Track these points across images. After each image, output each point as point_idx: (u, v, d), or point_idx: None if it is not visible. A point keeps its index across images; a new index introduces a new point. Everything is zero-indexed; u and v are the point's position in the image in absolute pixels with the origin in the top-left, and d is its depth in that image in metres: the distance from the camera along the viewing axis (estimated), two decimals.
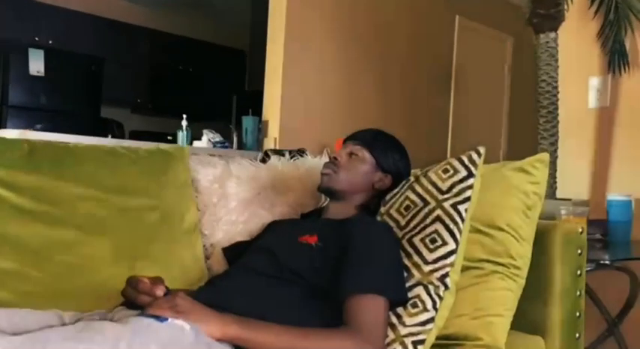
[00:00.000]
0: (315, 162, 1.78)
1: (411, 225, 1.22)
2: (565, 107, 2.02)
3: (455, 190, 1.21)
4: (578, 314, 1.38)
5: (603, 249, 1.90)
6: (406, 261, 1.17)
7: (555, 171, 2.02)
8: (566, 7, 1.89)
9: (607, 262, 1.64)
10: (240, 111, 3.78)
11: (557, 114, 1.99)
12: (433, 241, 1.17)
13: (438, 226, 1.18)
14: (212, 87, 5.98)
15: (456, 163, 1.25)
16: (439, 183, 1.24)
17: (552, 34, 1.96)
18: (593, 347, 2.01)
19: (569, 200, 2.06)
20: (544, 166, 1.34)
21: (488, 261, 1.24)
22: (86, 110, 5.22)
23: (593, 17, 2.10)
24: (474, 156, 1.25)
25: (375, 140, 1.39)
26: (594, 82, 2.20)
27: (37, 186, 1.20)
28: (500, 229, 1.27)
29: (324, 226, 1.25)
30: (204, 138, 3.43)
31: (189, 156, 1.57)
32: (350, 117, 3.92)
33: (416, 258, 1.16)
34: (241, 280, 1.14)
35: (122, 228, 1.28)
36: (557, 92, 1.98)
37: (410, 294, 1.12)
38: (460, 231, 1.17)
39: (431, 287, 1.12)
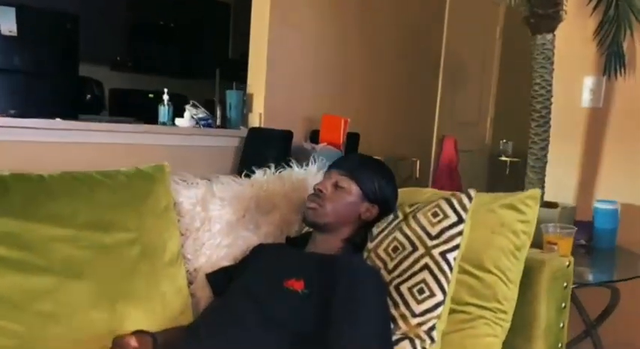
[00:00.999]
0: (300, 174, 1.73)
1: (399, 269, 1.20)
2: (557, 105, 1.97)
3: (444, 237, 1.19)
4: (560, 344, 1.39)
5: (587, 258, 1.90)
6: (393, 311, 1.16)
7: (544, 176, 1.99)
8: (564, 7, 1.80)
9: (590, 281, 1.65)
10: (224, 78, 3.65)
11: (550, 119, 1.94)
12: (421, 292, 1.15)
13: (426, 275, 1.16)
14: (195, 43, 5.78)
15: (446, 207, 1.21)
16: (428, 228, 1.21)
17: (549, 36, 1.88)
18: (569, 346, 2.06)
19: (557, 205, 2.05)
20: (535, 203, 1.31)
21: (474, 305, 1.24)
22: (63, 71, 5.03)
23: (592, 13, 2.01)
24: (465, 200, 1.21)
25: (360, 169, 1.35)
26: (589, 81, 2.14)
27: (9, 232, 1.14)
28: (489, 271, 1.25)
29: (311, 267, 1.22)
30: (187, 114, 3.32)
31: (170, 178, 1.51)
32: (337, 92, 3.83)
33: (403, 308, 1.15)
34: (228, 333, 1.12)
35: (101, 269, 1.23)
36: (551, 96, 1.92)
37: None
38: (448, 281, 1.16)
39: (417, 341, 1.12)
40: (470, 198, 1.21)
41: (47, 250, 1.18)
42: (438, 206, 1.22)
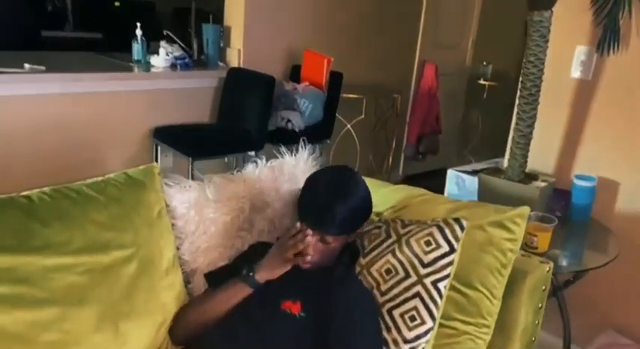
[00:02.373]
0: (291, 164, 1.72)
1: (392, 293, 1.26)
2: (545, 73, 1.94)
3: (436, 266, 1.23)
4: (533, 339, 1.51)
5: (561, 233, 1.99)
6: (385, 334, 1.23)
7: (528, 152, 2.01)
8: None
9: (564, 267, 1.75)
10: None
11: (539, 97, 1.92)
12: (412, 319, 1.22)
13: (418, 303, 1.22)
14: None
15: (439, 237, 1.25)
16: (421, 256, 1.25)
17: (547, 13, 1.80)
18: None
19: (537, 177, 2.10)
20: (523, 221, 1.36)
21: (460, 321, 1.32)
22: None
23: None
24: (457, 230, 1.25)
25: (341, 221, 1.25)
26: (580, 51, 2.10)
27: (4, 268, 1.13)
28: (475, 288, 1.32)
29: (308, 288, 1.26)
30: (162, 52, 3.17)
31: (161, 180, 1.49)
32: (318, 25, 3.66)
33: (395, 333, 1.22)
34: None
35: (101, 292, 1.25)
36: (542, 74, 1.89)
37: None
38: (438, 309, 1.23)
39: None
40: (462, 228, 1.25)
41: (46, 281, 1.18)
42: (431, 235, 1.25)
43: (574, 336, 2.09)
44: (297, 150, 1.73)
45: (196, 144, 2.88)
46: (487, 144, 5.28)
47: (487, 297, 1.32)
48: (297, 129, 3.11)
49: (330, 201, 1.25)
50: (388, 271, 1.28)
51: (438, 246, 1.24)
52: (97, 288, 1.25)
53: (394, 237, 1.32)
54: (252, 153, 2.99)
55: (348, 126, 3.70)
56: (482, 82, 5.09)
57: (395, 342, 1.22)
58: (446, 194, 2.89)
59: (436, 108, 4.65)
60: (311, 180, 1.35)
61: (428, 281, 1.22)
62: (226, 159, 3.24)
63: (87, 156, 2.83)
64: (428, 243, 1.25)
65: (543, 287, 1.46)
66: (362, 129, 3.85)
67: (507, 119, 5.53)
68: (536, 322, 1.49)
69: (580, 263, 1.86)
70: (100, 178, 1.40)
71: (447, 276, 1.23)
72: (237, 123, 3.06)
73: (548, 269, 1.45)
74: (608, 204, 2.11)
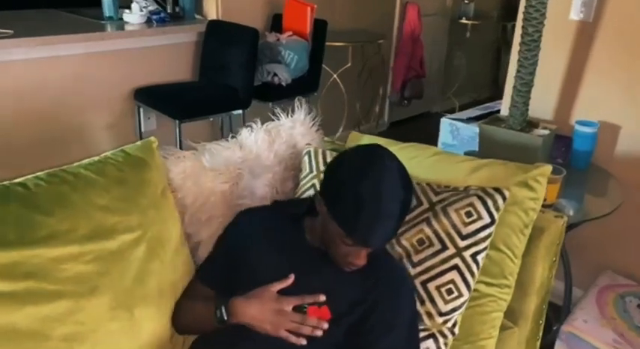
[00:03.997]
0: (287, 126, 1.65)
1: (425, 265, 1.22)
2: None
3: (476, 238, 1.20)
4: (547, 292, 1.51)
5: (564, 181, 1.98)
6: (419, 307, 1.19)
7: (529, 98, 1.97)
8: None
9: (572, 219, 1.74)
10: None
11: (541, 42, 1.85)
12: (449, 292, 1.19)
13: (455, 276, 1.19)
14: None
15: (481, 208, 1.21)
16: (460, 227, 1.20)
17: None
18: None
19: (538, 124, 2.07)
20: (545, 180, 1.33)
21: (484, 283, 1.30)
22: None
23: None
24: (499, 201, 1.21)
25: (392, 233, 1.09)
26: None
27: (9, 263, 1.07)
28: (498, 250, 1.30)
29: (338, 290, 1.12)
30: (135, 7, 2.98)
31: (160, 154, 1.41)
32: None
33: (429, 306, 1.19)
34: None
35: (113, 279, 1.20)
36: (545, 19, 1.80)
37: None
38: (475, 279, 1.20)
39: (440, 339, 1.19)
40: (504, 198, 1.21)
41: (55, 273, 1.12)
42: (472, 206, 1.21)
43: (573, 278, 2.13)
44: (287, 107, 1.65)
45: (181, 104, 2.76)
46: (470, 86, 5.23)
47: (509, 258, 1.30)
48: (284, 83, 3.00)
49: (396, 211, 1.03)
50: (421, 241, 1.23)
51: (480, 218, 1.20)
52: (108, 275, 1.20)
53: (426, 205, 1.26)
54: (240, 111, 2.89)
55: (335, 76, 3.59)
56: (464, 21, 4.98)
57: (429, 315, 1.19)
58: (439, 143, 2.86)
59: (420, 51, 4.54)
60: (365, 186, 1.02)
61: (467, 254, 1.19)
62: (211, 118, 3.13)
63: (67, 123, 2.69)
64: (469, 214, 1.20)
65: (558, 242, 1.46)
66: (348, 78, 3.74)
67: (490, 58, 5.47)
68: (551, 275, 1.50)
69: (586, 212, 1.86)
70: (96, 158, 1.31)
71: (486, 248, 1.20)
72: (221, 79, 2.93)
73: (562, 223, 1.44)
74: (609, 148, 2.10)
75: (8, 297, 1.06)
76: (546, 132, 2.01)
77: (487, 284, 1.30)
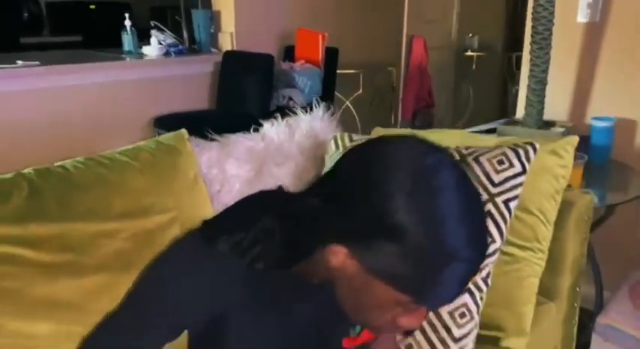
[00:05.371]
0: (307, 120, 1.71)
1: None
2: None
3: (508, 185, 1.21)
4: (579, 272, 1.50)
5: (585, 175, 1.99)
6: None
7: (544, 97, 2.01)
8: None
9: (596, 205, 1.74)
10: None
11: (551, 40, 1.92)
12: None
13: (489, 222, 1.19)
14: None
15: (512, 156, 1.22)
16: (492, 175, 1.21)
17: None
18: None
19: (554, 123, 2.09)
20: (572, 149, 1.35)
21: (517, 246, 1.29)
22: None
23: None
24: (531, 152, 1.23)
25: None
26: None
27: (50, 235, 1.09)
28: (531, 213, 1.31)
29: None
30: (154, 41, 3.11)
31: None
32: (308, 4, 3.62)
33: None
34: None
35: (147, 257, 1.18)
36: (554, 17, 1.88)
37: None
38: (507, 228, 1.20)
39: (477, 293, 1.18)
40: (535, 149, 1.24)
41: (93, 247, 1.14)
42: (505, 154, 1.22)
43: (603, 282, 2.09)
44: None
45: (200, 130, 2.82)
46: (480, 115, 5.30)
47: (542, 222, 1.30)
48: (299, 107, 3.07)
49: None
50: None
51: (512, 165, 1.21)
52: (143, 253, 1.20)
53: (457, 157, 1.27)
54: None
55: (347, 102, 3.67)
56: (469, 53, 5.11)
57: None
58: None
59: (428, 82, 4.65)
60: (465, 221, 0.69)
61: (499, 200, 1.19)
62: None
63: (88, 149, 2.75)
64: (500, 162, 1.22)
65: (586, 218, 1.46)
66: (360, 105, 3.83)
67: (498, 87, 5.57)
68: (583, 254, 1.49)
69: (610, 200, 1.86)
70: (130, 146, 1.36)
71: (517, 197, 1.21)
72: (237, 106, 3.01)
73: (590, 199, 1.45)
74: (627, 143, 2.11)
75: (49, 268, 1.08)
76: (563, 129, 2.04)
77: (521, 247, 1.30)
